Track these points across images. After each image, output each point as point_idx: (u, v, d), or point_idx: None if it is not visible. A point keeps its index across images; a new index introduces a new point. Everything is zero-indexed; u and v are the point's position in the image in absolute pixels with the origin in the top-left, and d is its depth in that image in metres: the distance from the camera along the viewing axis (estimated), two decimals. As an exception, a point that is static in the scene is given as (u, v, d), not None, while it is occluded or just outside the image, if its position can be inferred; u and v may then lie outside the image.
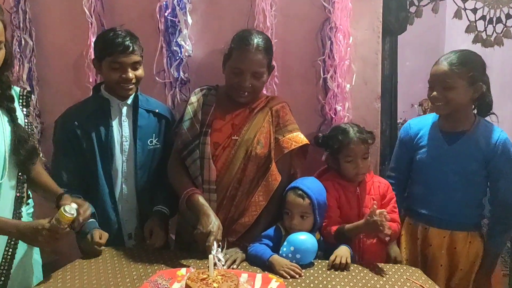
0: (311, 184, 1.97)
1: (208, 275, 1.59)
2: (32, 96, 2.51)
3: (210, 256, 1.60)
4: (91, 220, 1.96)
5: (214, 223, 1.81)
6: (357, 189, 2.07)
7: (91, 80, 2.46)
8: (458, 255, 2.07)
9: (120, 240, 2.09)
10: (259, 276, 1.70)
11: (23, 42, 2.52)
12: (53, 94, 2.59)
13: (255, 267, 1.86)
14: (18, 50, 2.52)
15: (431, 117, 2.19)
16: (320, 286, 1.72)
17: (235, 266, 1.85)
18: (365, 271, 1.83)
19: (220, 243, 1.75)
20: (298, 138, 2.03)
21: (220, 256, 1.73)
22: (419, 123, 2.21)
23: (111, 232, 2.04)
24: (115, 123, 2.07)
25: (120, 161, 2.07)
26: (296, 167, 2.12)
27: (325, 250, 1.96)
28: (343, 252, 1.89)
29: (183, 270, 1.74)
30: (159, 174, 2.15)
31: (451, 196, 2.06)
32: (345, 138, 2.04)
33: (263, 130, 2.00)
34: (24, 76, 2.54)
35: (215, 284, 1.54)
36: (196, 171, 1.99)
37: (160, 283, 1.62)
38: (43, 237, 1.57)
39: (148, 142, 2.12)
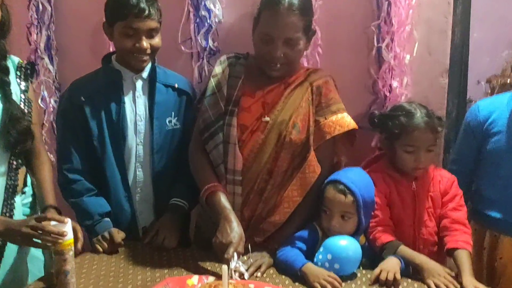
0: (355, 177, 1.61)
1: (221, 289, 1.29)
2: (51, 67, 2.29)
3: (224, 267, 1.30)
4: (105, 219, 1.73)
5: (236, 232, 1.50)
6: (413, 184, 1.68)
7: (111, 49, 2.19)
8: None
9: (135, 234, 1.83)
10: (287, 293, 1.38)
11: (40, 7, 2.26)
12: (74, 65, 2.34)
13: (283, 276, 1.54)
14: (36, 16, 2.28)
15: (507, 97, 1.77)
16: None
17: (259, 274, 1.54)
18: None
19: (241, 254, 1.47)
20: (343, 121, 1.66)
21: (242, 268, 1.43)
22: (490, 105, 1.80)
23: (124, 225, 1.80)
24: (128, 99, 1.79)
25: (133, 143, 1.79)
26: (340, 155, 1.76)
27: (371, 256, 1.60)
28: (391, 266, 1.52)
29: (194, 279, 1.45)
30: (179, 160, 1.86)
31: None
32: (409, 122, 1.65)
33: (300, 110, 1.65)
34: (42, 45, 2.30)
35: (228, 302, 1.24)
36: (218, 158, 1.68)
37: (165, 295, 1.34)
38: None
39: (167, 121, 1.83)
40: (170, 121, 1.83)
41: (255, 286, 1.41)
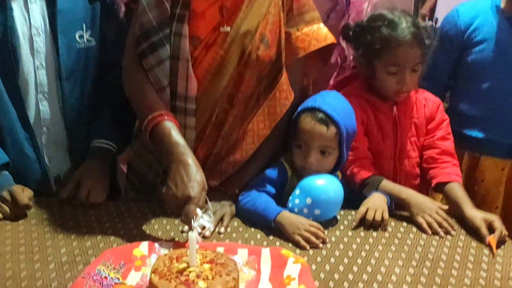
0: (336, 104, 1.29)
1: (188, 264, 0.95)
2: None
3: (191, 235, 0.95)
4: (3, 173, 1.27)
5: (195, 180, 1.11)
6: (394, 109, 1.42)
7: None
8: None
9: (47, 188, 1.39)
10: (266, 253, 1.08)
11: None
12: None
13: (253, 229, 1.23)
14: None
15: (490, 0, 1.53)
16: (350, 255, 1.13)
17: (222, 230, 1.22)
18: (408, 229, 1.26)
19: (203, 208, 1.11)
20: (320, 34, 1.31)
21: (206, 222, 1.09)
22: (471, 9, 1.57)
23: (31, 178, 1.35)
24: (16, 6, 1.26)
25: (31, 67, 1.30)
26: (310, 76, 1.42)
27: (347, 195, 1.33)
28: (377, 203, 1.28)
29: (143, 247, 1.08)
30: (99, 88, 1.41)
31: None
32: (392, 35, 1.33)
33: (269, 18, 1.26)
34: None
35: (201, 283, 0.91)
36: (163, 79, 1.25)
37: (104, 277, 0.96)
38: None
39: (77, 37, 1.34)
40: (81, 36, 1.35)
41: (225, 249, 1.08)
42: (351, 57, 1.68)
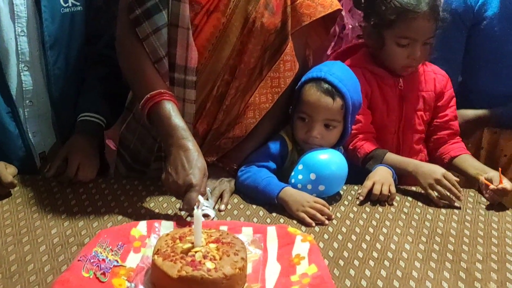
0: (342, 75, 1.23)
1: (193, 244, 0.89)
2: None
3: (197, 213, 0.89)
4: None
5: (196, 166, 1.04)
6: (400, 81, 1.36)
7: None
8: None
9: (31, 165, 1.30)
10: (272, 232, 1.02)
11: None
12: None
13: (255, 206, 1.18)
14: None
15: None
16: (358, 232, 1.09)
17: (223, 207, 1.15)
18: (414, 204, 1.22)
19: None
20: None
21: (209, 210, 1.05)
22: None
23: (14, 154, 1.27)
24: (-6, -36, 1.15)
25: (11, 34, 1.19)
26: (311, 46, 1.35)
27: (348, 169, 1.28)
28: (384, 177, 1.23)
29: (141, 227, 1.01)
30: (87, 57, 1.32)
31: None
32: (408, 6, 1.26)
33: None
34: None
35: (208, 263, 0.85)
36: (159, 48, 1.15)
37: (102, 259, 0.89)
38: None
39: (61, 0, 1.24)
40: (66, 0, 1.25)
41: (229, 228, 1.02)
42: (350, 26, 1.61)
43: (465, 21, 1.48)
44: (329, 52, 1.62)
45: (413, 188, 1.29)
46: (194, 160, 1.04)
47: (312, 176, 1.18)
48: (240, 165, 1.26)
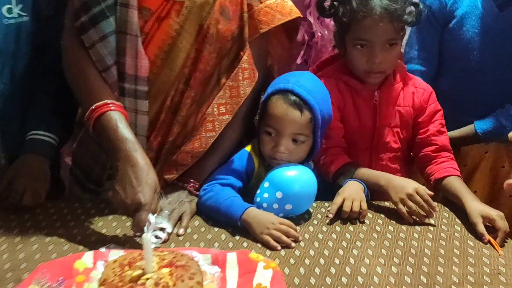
0: (311, 86, 1.15)
1: (143, 270, 0.80)
2: None
3: (145, 236, 0.80)
4: None
5: (146, 182, 0.95)
6: (375, 94, 1.28)
7: None
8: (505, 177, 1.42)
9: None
10: (232, 259, 0.93)
11: None
12: None
13: (216, 229, 1.09)
14: None
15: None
16: (327, 254, 1.01)
17: (181, 231, 1.07)
18: (386, 221, 1.15)
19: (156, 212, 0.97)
20: (285, 6, 1.17)
21: (165, 225, 0.96)
22: None
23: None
24: None
25: None
26: (274, 55, 1.28)
27: (319, 186, 1.19)
28: (354, 192, 1.16)
29: (87, 258, 0.91)
30: (35, 70, 1.22)
31: (501, 91, 1.39)
32: (360, 6, 1.19)
33: None
34: None
35: (159, 295, 0.76)
36: (107, 57, 1.07)
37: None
38: None
39: (4, 11, 1.15)
40: (10, 10, 1.15)
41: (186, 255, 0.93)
42: (319, 34, 1.54)
43: (439, 19, 1.41)
44: (298, 61, 1.55)
45: (387, 204, 1.22)
46: (143, 176, 0.95)
47: (279, 195, 1.10)
48: (202, 183, 1.17)
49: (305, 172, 1.14)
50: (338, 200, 1.14)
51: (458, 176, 1.24)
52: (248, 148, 1.20)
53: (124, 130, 1.00)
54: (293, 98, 1.11)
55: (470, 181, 1.44)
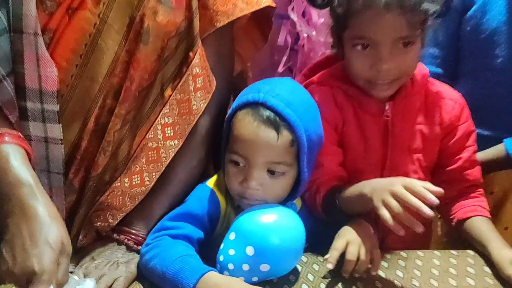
0: (292, 97, 0.82)
1: None
2: None
3: None
4: None
5: (44, 242, 0.65)
6: (386, 108, 0.94)
7: None
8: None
9: None
10: None
11: None
12: None
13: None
14: None
15: None
16: None
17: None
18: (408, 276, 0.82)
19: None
20: None
21: None
22: None
23: None
24: None
25: None
26: (245, 59, 0.99)
27: (311, 229, 0.87)
28: (360, 233, 0.84)
29: None
30: None
31: None
32: None
33: None
34: None
35: None
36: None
37: None
38: None
39: None
40: None
41: None
42: (305, 35, 1.24)
43: (457, 5, 1.09)
44: (280, 68, 1.24)
45: (403, 254, 0.89)
46: (41, 233, 0.65)
47: (250, 251, 0.77)
48: (146, 235, 0.84)
49: (287, 216, 0.81)
50: (339, 243, 0.81)
51: (484, 216, 0.93)
52: (210, 182, 0.88)
53: (19, 169, 0.70)
54: (266, 113, 0.79)
55: (499, 213, 1.10)
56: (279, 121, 0.79)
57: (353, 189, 0.86)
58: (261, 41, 0.97)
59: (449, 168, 0.96)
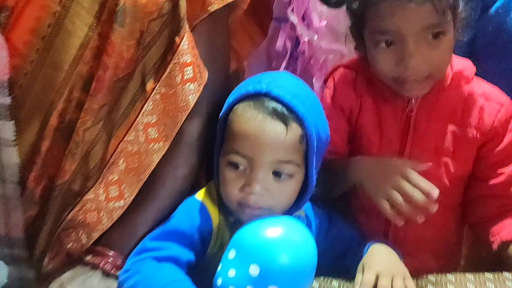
0: (296, 89, 0.71)
1: None
2: None
3: None
4: None
5: None
6: (412, 102, 0.81)
7: None
8: None
9: None
10: None
11: None
12: None
13: None
14: None
15: None
16: None
17: None
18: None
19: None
20: None
21: None
22: None
23: None
24: None
25: None
26: (242, 54, 0.88)
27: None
28: (390, 263, 0.71)
29: None
30: None
31: None
32: None
33: None
34: None
35: None
36: None
37: None
38: None
39: None
40: None
41: None
42: (306, 39, 1.14)
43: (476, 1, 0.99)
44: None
45: (431, 279, 0.75)
46: None
47: (254, 270, 0.63)
48: (127, 257, 0.70)
49: (297, 230, 0.67)
50: (368, 278, 0.68)
51: None
52: (200, 195, 0.74)
53: None
54: (272, 104, 0.67)
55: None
56: (287, 113, 0.67)
57: (342, 167, 0.80)
58: (260, 36, 0.87)
59: (491, 182, 0.82)
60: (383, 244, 0.74)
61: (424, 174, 0.77)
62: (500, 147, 0.82)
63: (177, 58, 0.69)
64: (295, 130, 0.67)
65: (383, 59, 0.77)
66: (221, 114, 0.72)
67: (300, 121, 0.67)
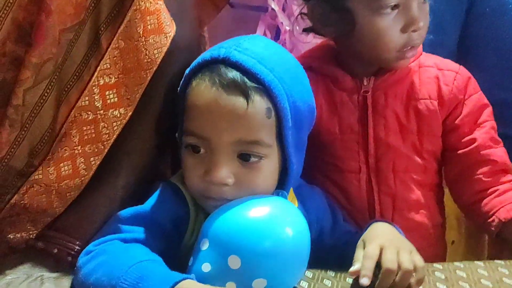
0: (266, 52, 0.60)
1: None
2: None
3: None
4: None
5: None
6: (364, 82, 0.77)
7: None
8: None
9: None
10: None
11: None
12: None
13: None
14: None
15: None
16: None
17: None
18: None
19: None
20: None
21: None
22: None
23: None
24: None
25: None
26: (204, 19, 0.77)
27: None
28: (395, 237, 0.63)
29: None
30: None
31: None
32: None
33: None
34: None
35: None
36: None
37: None
38: None
39: None
40: None
41: None
42: (287, 29, 1.08)
43: None
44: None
45: (438, 266, 0.67)
46: None
47: (233, 263, 0.53)
48: (85, 245, 0.59)
49: (282, 208, 0.57)
50: (371, 250, 0.58)
51: None
52: (175, 178, 0.64)
53: None
54: (230, 72, 0.56)
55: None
56: (248, 82, 0.56)
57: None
58: (214, 9, 0.76)
59: (461, 151, 0.77)
60: (386, 222, 0.66)
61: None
62: (463, 115, 0.78)
63: (137, 4, 0.57)
64: (258, 102, 0.56)
65: (389, 27, 0.70)
66: (180, 86, 0.61)
67: (266, 91, 0.56)
